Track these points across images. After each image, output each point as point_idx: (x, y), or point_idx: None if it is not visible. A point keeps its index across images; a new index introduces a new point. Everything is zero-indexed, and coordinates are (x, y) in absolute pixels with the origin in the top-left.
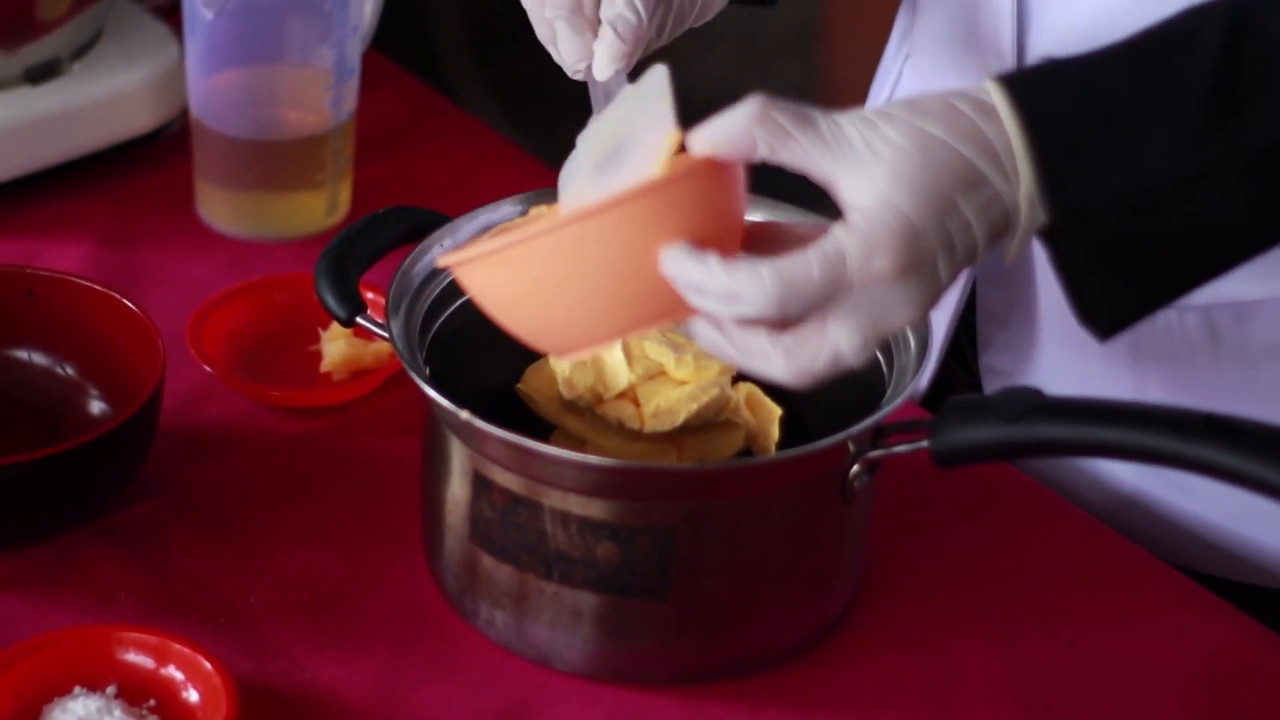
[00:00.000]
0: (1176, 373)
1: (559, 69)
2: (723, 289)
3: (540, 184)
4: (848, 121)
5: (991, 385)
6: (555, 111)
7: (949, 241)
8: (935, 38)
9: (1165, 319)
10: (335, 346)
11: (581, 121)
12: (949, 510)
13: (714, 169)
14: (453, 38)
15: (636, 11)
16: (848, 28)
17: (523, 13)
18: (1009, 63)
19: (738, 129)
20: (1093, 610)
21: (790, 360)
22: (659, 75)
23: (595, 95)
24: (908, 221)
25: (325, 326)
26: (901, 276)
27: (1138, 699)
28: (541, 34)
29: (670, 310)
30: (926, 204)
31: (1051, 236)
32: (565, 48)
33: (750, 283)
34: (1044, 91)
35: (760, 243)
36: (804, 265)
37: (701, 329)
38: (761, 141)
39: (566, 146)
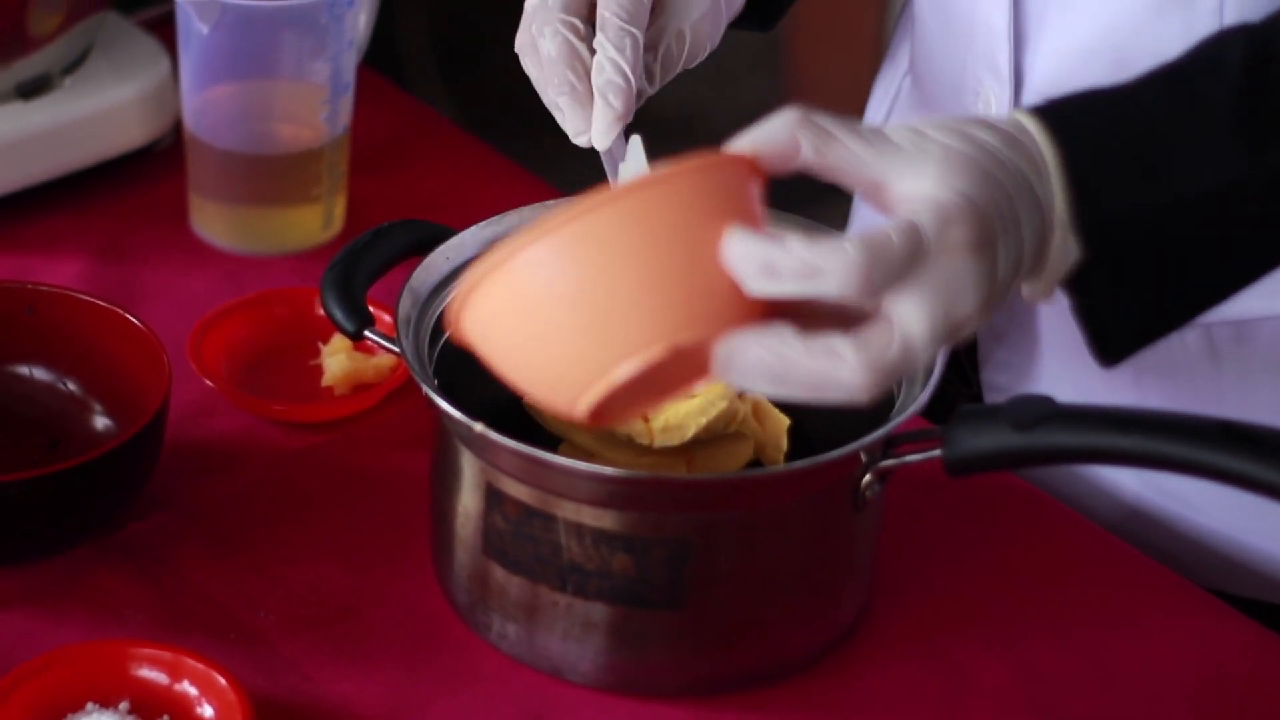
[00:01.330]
0: (1177, 391)
1: (526, 82)
2: (801, 264)
3: (536, 196)
4: (889, 129)
5: (993, 401)
6: (522, 124)
7: (1006, 229)
8: (932, 58)
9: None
10: (336, 361)
11: (553, 135)
12: (956, 519)
13: (752, 167)
14: (418, 52)
15: (625, 76)
16: (814, 44)
17: (487, 26)
18: (1006, 84)
19: (782, 131)
20: (1101, 618)
21: (861, 353)
22: (634, 146)
23: (605, 161)
24: (971, 201)
25: (325, 341)
26: (976, 250)
27: (1148, 706)
28: (550, 105)
29: (720, 313)
30: (986, 189)
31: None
32: (568, 123)
33: (833, 254)
34: (1074, 115)
35: None
36: (884, 236)
37: (751, 355)
38: (806, 143)
39: (541, 159)
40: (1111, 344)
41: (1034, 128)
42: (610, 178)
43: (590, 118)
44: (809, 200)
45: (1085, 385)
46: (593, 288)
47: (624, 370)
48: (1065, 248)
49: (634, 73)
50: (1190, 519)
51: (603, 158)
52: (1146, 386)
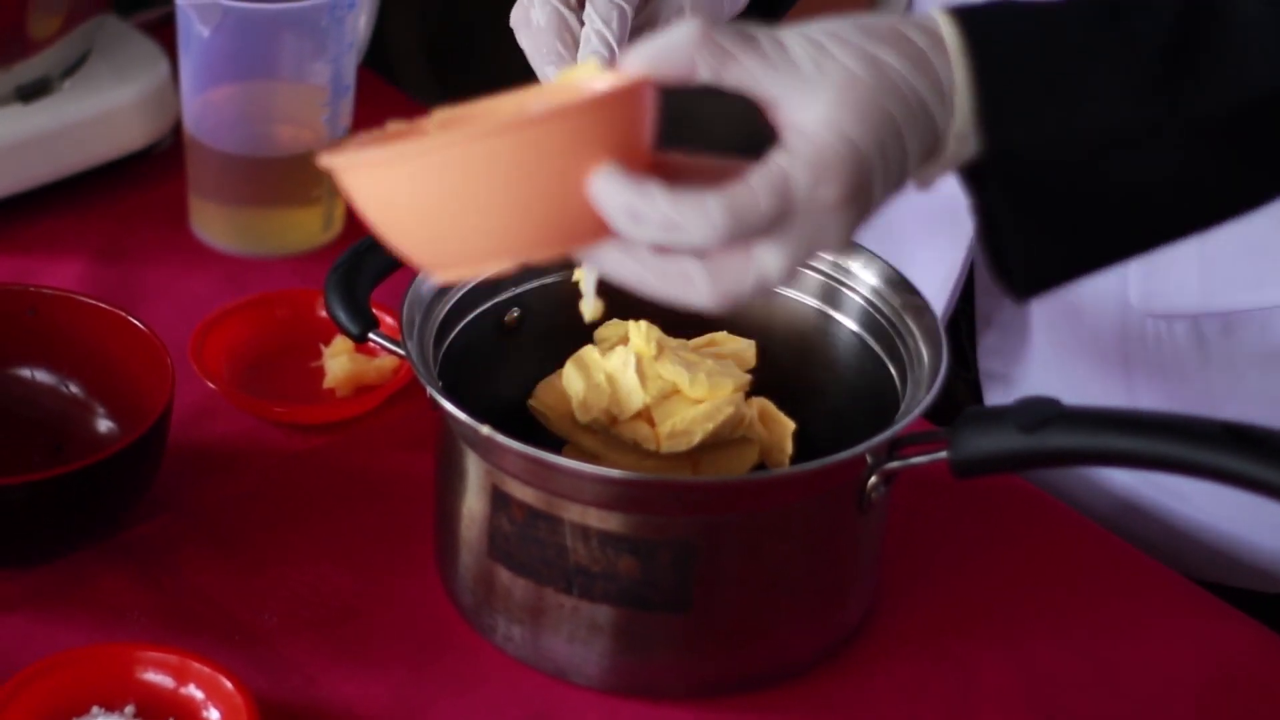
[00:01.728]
0: (1165, 382)
1: (518, 80)
2: (664, 218)
3: None
4: (794, 41)
5: (989, 389)
6: None
7: (888, 167)
8: None
9: (1155, 328)
10: (338, 363)
11: None
12: (959, 520)
13: (643, 92)
14: (409, 51)
15: (610, 48)
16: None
17: (478, 25)
18: None
19: (678, 49)
20: (1105, 618)
21: (715, 284)
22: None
23: None
24: (854, 148)
25: (327, 342)
26: (847, 202)
27: (1153, 707)
28: (540, 75)
29: (582, 235)
30: (874, 131)
31: (977, 177)
32: None
33: (695, 213)
34: (995, 29)
35: (669, 175)
36: (750, 195)
37: (611, 257)
38: (703, 63)
39: None
40: (1015, 277)
41: (951, 40)
42: None
43: None
44: None
45: (1076, 373)
46: (464, 207)
47: (472, 273)
48: (959, 150)
49: (620, 45)
50: (1182, 511)
51: None
52: (1135, 376)
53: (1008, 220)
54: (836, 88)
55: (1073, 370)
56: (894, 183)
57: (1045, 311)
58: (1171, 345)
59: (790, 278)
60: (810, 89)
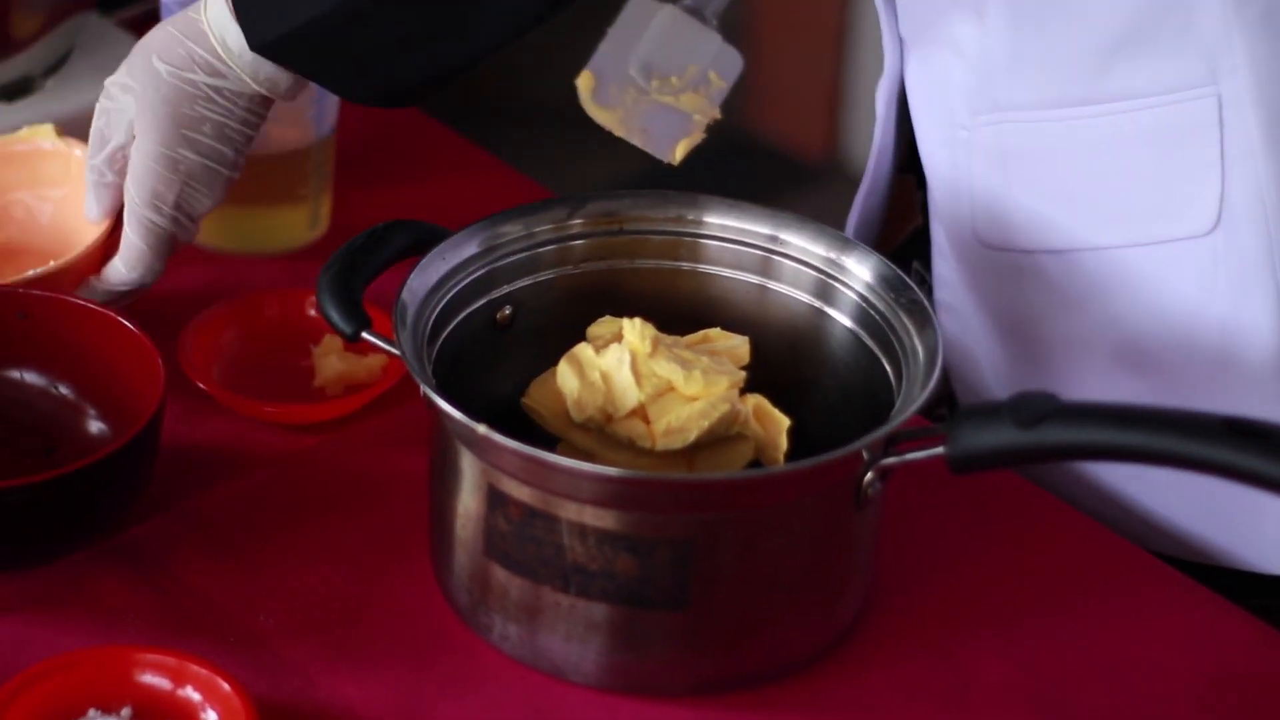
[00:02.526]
0: (1005, 305)
1: (491, 77)
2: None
3: (520, 191)
4: (115, 83)
5: (944, 319)
6: (495, 119)
7: (211, 148)
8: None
9: (992, 258)
10: (328, 363)
11: (524, 129)
12: (951, 516)
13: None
14: None
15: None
16: (776, 34)
17: None
18: None
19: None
20: (1101, 612)
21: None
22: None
23: None
24: (163, 157)
25: (316, 341)
26: (172, 190)
27: (1151, 701)
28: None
29: None
30: (171, 134)
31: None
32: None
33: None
34: None
35: None
36: (134, 245)
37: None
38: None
39: (517, 154)
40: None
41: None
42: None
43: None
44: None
45: (972, 294)
46: None
47: None
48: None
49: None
50: (1152, 497)
51: None
52: (985, 296)
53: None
54: (135, 110)
55: (962, 296)
56: (229, 147)
57: (943, 233)
58: (1005, 277)
59: (192, 236)
60: (122, 116)
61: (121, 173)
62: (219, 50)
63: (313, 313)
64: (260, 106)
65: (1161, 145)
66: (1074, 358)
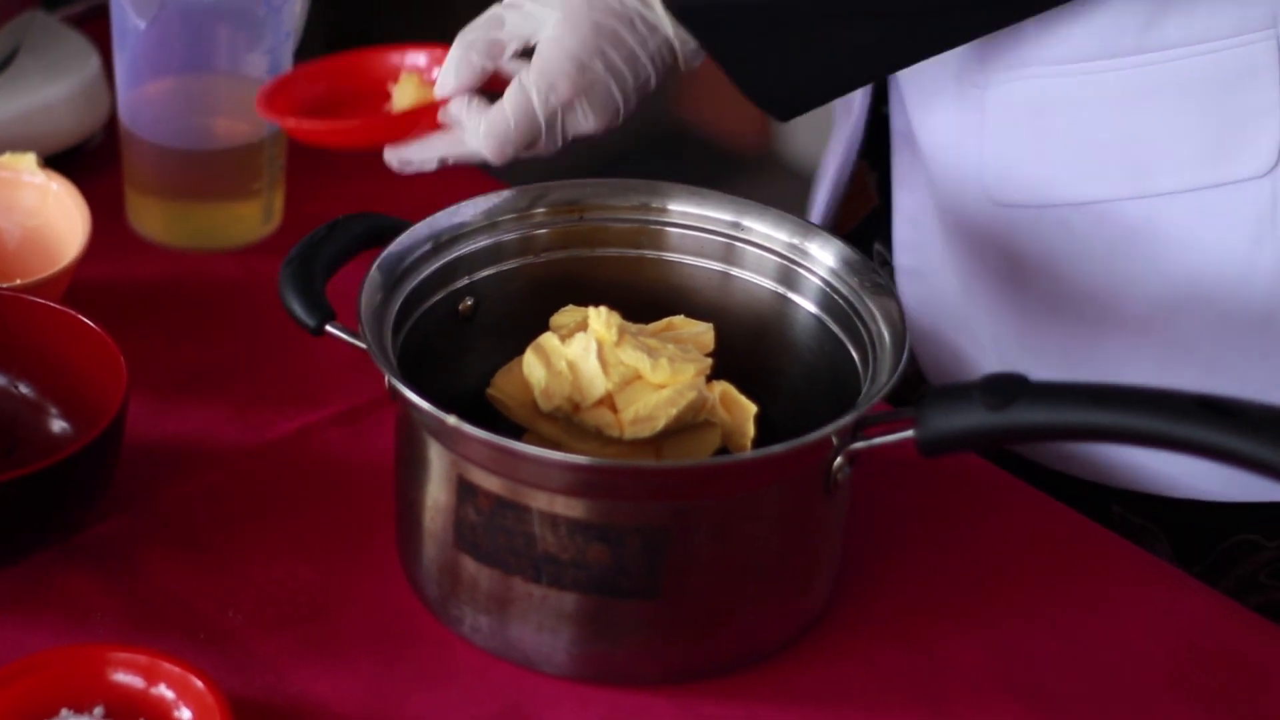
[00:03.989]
0: (1017, 273)
1: None
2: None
3: (465, 183)
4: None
5: (905, 284)
6: None
7: (616, 68)
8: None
9: (1006, 216)
10: (405, 92)
11: None
12: (917, 500)
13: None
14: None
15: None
16: None
17: (378, 14)
18: None
19: (462, 67)
20: (1071, 594)
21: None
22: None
23: None
24: (574, 56)
25: (395, 80)
26: (575, 97)
27: (1123, 678)
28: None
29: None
30: (589, 40)
31: (697, 34)
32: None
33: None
34: None
35: None
36: (501, 116)
37: (415, 153)
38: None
39: None
40: (770, 100)
41: None
42: None
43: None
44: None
45: (958, 263)
46: None
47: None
48: (679, 29)
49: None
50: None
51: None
52: (989, 262)
53: (725, 63)
54: (556, 13)
55: (957, 260)
56: (630, 72)
57: (929, 202)
58: (1019, 235)
59: (557, 148)
60: (539, 19)
61: (493, 58)
62: None
63: (394, 58)
64: (668, 54)
65: (1217, 90)
66: (1101, 315)
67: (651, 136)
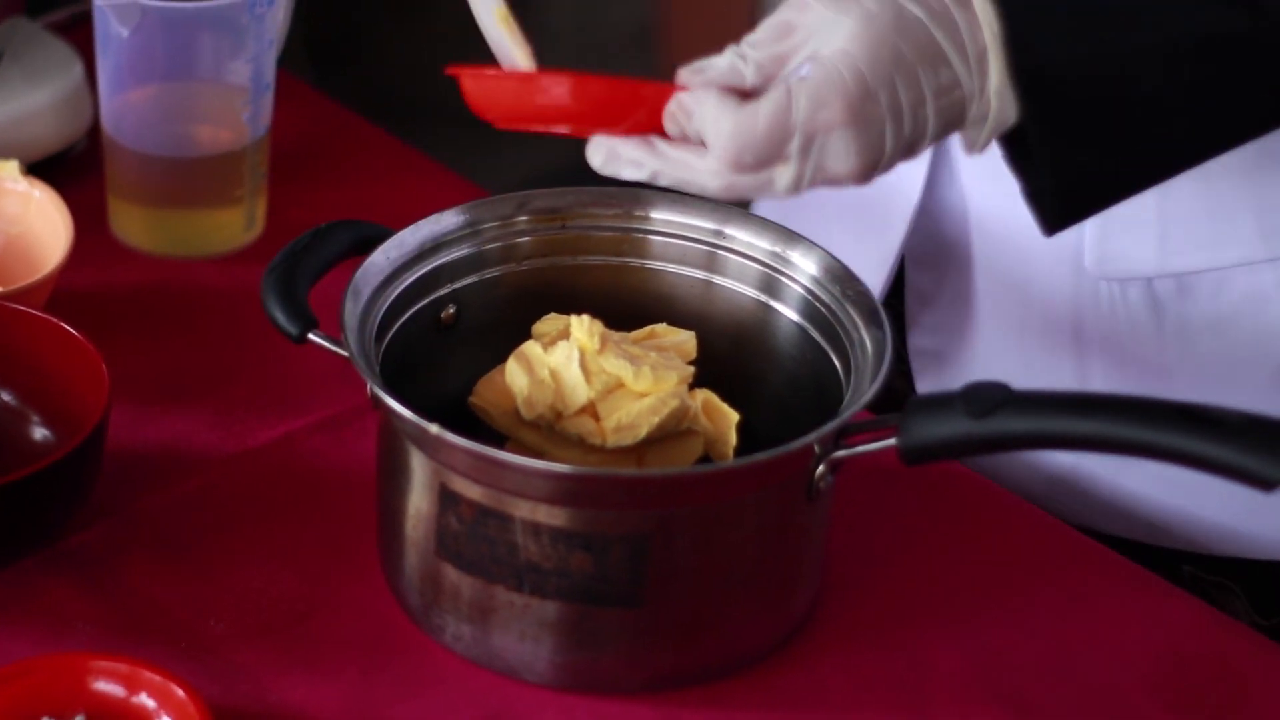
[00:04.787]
0: (1116, 350)
1: (405, 76)
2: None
3: (450, 188)
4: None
5: (921, 366)
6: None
7: (899, 110)
8: None
9: (1109, 292)
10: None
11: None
12: (899, 508)
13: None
14: (293, 49)
15: None
16: (686, 30)
17: (361, 22)
18: None
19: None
20: (1052, 600)
21: (722, 180)
22: None
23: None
24: (860, 77)
25: None
26: (845, 125)
27: (1105, 685)
28: None
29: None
30: (884, 66)
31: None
32: None
33: (698, 156)
34: None
35: None
36: (750, 119)
37: (628, 150)
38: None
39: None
40: (1049, 206)
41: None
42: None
43: None
44: None
45: (1022, 349)
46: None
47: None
48: (1003, 109)
49: None
50: (1110, 480)
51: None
52: (1087, 348)
53: (1042, 147)
54: (853, 20)
55: (1019, 343)
56: (911, 131)
57: (991, 283)
58: (1125, 310)
59: (797, 191)
60: (831, 26)
61: (767, 76)
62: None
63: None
64: (946, 126)
65: None
66: (1224, 382)
67: None
